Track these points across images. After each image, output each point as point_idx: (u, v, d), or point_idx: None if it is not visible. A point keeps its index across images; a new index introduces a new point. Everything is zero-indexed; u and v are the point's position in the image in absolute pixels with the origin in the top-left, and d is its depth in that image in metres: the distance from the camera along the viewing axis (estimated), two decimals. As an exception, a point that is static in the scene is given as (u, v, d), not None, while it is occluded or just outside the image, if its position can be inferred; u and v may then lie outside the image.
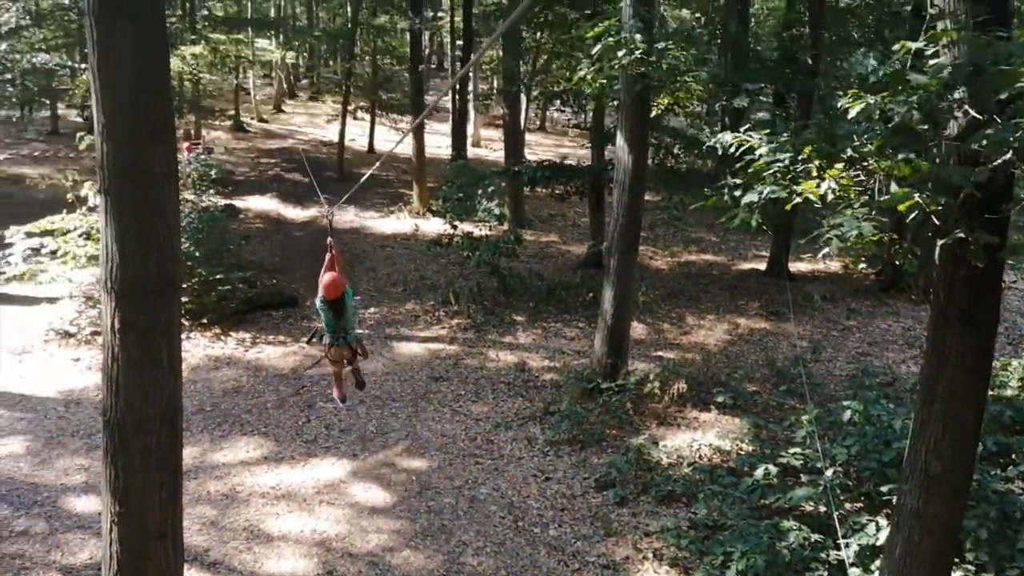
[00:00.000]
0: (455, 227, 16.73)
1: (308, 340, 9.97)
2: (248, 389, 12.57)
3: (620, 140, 12.07)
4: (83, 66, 19.82)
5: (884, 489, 8.27)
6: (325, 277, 7.79)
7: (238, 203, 22.29)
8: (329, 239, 7.81)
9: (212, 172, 16.74)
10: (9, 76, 18.61)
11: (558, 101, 21.67)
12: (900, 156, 4.81)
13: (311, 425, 11.48)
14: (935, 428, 5.54)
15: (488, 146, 34.36)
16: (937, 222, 4.84)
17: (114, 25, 4.78)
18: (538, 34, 22.03)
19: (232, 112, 33.40)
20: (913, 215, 4.75)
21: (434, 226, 20.33)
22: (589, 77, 12.06)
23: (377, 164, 9.09)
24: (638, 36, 10.76)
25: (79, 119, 27.24)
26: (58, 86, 21.26)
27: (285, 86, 41.38)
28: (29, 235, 14.00)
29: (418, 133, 23.85)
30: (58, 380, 12.58)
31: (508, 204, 21.27)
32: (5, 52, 17.47)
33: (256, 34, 30.02)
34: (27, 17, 19.28)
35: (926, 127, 4.98)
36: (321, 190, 11.53)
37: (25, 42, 19.01)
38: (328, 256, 7.89)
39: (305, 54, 42.00)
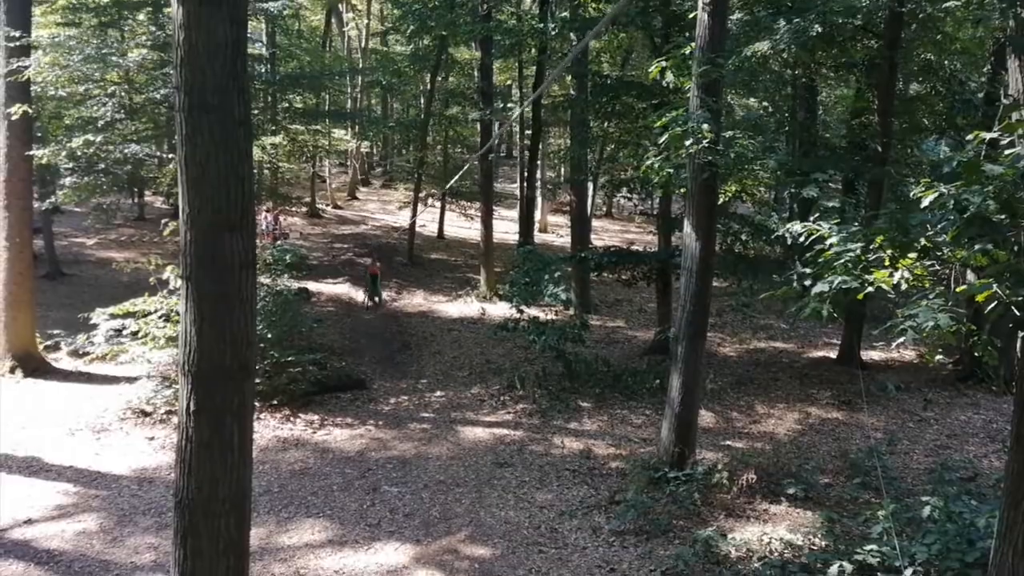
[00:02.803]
0: (521, 312, 16.82)
1: (363, 293, 22.70)
2: (315, 471, 12.65)
3: (687, 227, 12.06)
4: (170, 156, 20.84)
5: (969, 592, 7.84)
6: (374, 266, 22.57)
7: (311, 286, 22.88)
8: (374, 254, 24.48)
9: (287, 257, 17.24)
10: (102, 166, 19.60)
11: (625, 188, 21.86)
12: (977, 247, 4.72)
13: (375, 509, 11.45)
14: (1023, 530, 5.28)
15: (555, 232, 34.77)
16: (1018, 313, 4.70)
17: (202, 122, 5.03)
18: (605, 123, 22.43)
19: (308, 199, 34.62)
20: (992, 306, 4.63)
21: (500, 310, 20.48)
22: (656, 165, 12.10)
23: (414, 217, 9.26)
24: (705, 126, 10.82)
25: (164, 206, 28.50)
26: (146, 175, 22.31)
27: (359, 174, 42.78)
28: (112, 316, 14.57)
29: (487, 219, 24.33)
30: (132, 458, 12.84)
31: (574, 289, 21.38)
32: (100, 144, 18.46)
33: (333, 125, 31.22)
34: (121, 111, 20.40)
35: (1003, 217, 4.89)
36: (391, 274, 12.11)
37: (118, 134, 20.07)
38: (372, 258, 23.58)
39: (379, 143, 43.49)
